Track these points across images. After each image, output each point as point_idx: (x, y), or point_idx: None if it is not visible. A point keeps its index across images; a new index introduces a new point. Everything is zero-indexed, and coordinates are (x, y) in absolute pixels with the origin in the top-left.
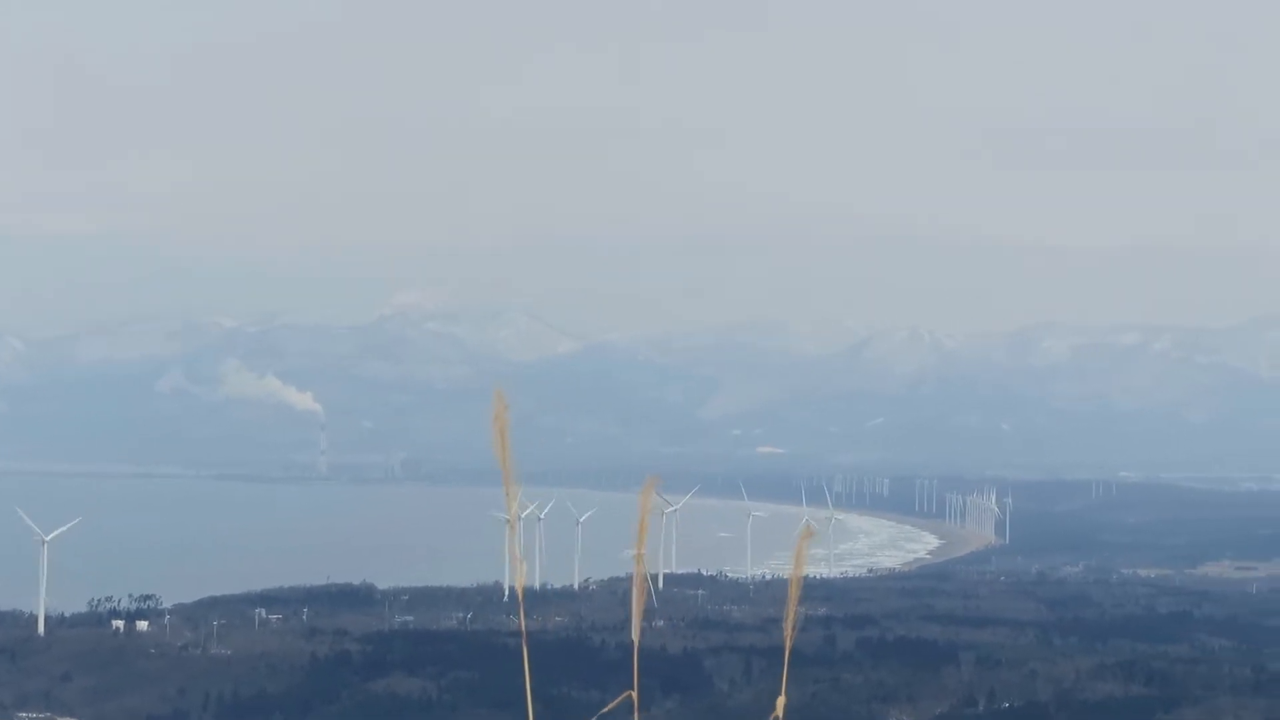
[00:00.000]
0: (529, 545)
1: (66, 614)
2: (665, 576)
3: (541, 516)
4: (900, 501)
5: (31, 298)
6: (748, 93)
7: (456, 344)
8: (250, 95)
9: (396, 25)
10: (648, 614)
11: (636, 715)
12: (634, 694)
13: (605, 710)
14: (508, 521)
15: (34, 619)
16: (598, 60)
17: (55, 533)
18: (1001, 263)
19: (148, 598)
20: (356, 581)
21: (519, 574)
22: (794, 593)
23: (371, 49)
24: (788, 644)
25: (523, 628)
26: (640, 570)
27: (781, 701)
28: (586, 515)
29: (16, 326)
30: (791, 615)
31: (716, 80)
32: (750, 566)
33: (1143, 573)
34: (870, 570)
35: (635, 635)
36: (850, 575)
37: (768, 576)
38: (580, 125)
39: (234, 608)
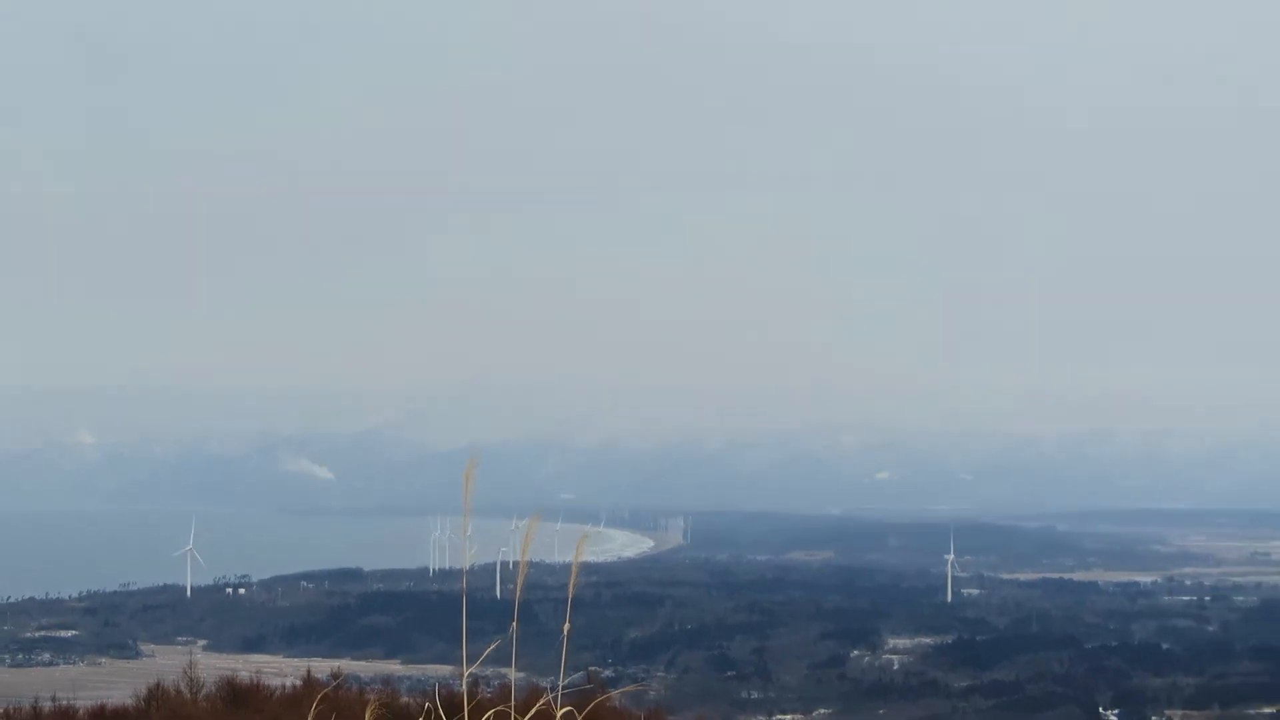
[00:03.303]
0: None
1: (202, 585)
2: (511, 562)
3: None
4: (636, 522)
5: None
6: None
7: (405, 444)
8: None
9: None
10: (506, 583)
11: (515, 623)
12: (514, 625)
13: (499, 641)
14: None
15: (184, 588)
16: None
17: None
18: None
19: (244, 575)
20: (352, 566)
21: (523, 562)
22: (575, 568)
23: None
24: (570, 594)
25: (518, 593)
26: (524, 558)
27: (567, 626)
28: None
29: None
30: (573, 579)
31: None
32: (558, 555)
33: (760, 558)
34: (619, 557)
35: (517, 594)
36: (610, 560)
37: (567, 561)
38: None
39: (290, 582)
